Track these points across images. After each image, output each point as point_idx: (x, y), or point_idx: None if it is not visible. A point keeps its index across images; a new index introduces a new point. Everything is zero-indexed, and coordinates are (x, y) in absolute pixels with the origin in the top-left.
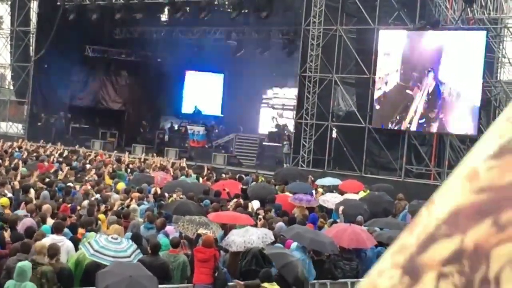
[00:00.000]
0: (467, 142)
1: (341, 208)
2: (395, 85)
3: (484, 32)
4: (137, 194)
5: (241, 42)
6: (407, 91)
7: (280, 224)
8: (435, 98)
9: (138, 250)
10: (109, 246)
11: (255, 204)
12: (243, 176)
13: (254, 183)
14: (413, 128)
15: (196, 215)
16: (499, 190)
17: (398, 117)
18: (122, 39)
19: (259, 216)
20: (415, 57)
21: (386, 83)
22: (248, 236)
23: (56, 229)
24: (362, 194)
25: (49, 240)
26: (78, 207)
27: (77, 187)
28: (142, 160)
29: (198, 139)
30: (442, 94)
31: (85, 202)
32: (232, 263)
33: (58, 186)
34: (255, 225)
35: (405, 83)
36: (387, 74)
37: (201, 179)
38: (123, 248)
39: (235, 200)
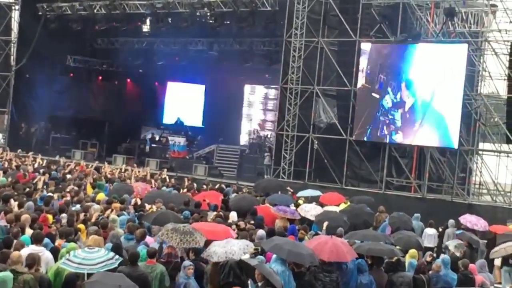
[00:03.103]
0: (447, 154)
1: (325, 224)
2: (360, 87)
3: (466, 45)
4: (118, 205)
5: (222, 53)
6: (373, 94)
7: (261, 233)
8: (415, 110)
9: (111, 261)
10: (80, 254)
11: (233, 216)
12: (224, 187)
13: (234, 194)
14: (391, 141)
15: None
16: None
17: (368, 132)
18: (104, 49)
19: (233, 226)
20: (385, 62)
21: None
22: (230, 247)
23: (36, 240)
24: (342, 206)
25: (28, 250)
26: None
27: (55, 196)
28: (122, 170)
29: (179, 149)
30: (422, 106)
31: (64, 214)
32: (213, 274)
33: (41, 196)
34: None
35: (370, 85)
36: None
37: (181, 190)
38: (92, 257)
39: (214, 213)
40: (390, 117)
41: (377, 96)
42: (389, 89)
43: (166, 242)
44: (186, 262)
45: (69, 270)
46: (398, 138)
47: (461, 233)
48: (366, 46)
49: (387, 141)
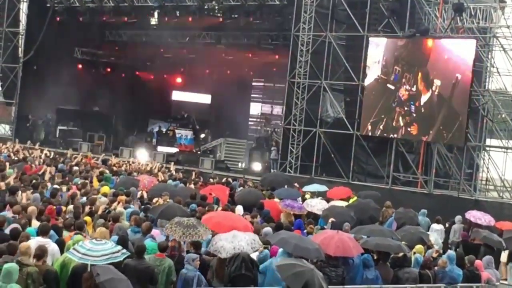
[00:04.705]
0: (454, 150)
1: (331, 219)
2: (376, 77)
3: (474, 41)
4: (124, 198)
5: (230, 46)
6: (388, 85)
7: (267, 229)
8: (429, 104)
9: (116, 255)
10: (87, 245)
11: (239, 209)
12: (230, 180)
13: (241, 188)
14: (402, 135)
15: None
16: None
17: (383, 121)
18: (111, 42)
19: None
20: (401, 54)
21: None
22: (237, 242)
23: (42, 232)
24: (349, 200)
25: (34, 242)
26: (64, 208)
27: (64, 188)
28: (130, 163)
29: (186, 143)
30: (437, 100)
31: (71, 207)
32: (219, 268)
33: (49, 188)
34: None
35: (386, 76)
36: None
37: (188, 184)
38: (97, 249)
39: (220, 208)
40: (406, 108)
41: (393, 87)
42: (404, 81)
43: (171, 235)
44: (193, 255)
45: (75, 261)
46: (413, 130)
47: (475, 230)
48: (381, 39)
49: (403, 132)
